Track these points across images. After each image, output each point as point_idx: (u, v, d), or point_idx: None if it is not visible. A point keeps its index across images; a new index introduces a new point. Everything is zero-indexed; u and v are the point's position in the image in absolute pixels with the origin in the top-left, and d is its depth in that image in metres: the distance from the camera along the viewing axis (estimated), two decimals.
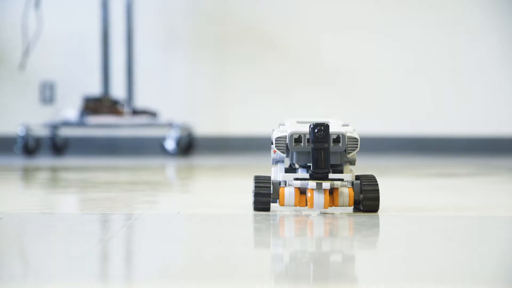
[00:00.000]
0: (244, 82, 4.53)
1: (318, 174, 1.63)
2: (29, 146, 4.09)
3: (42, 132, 4.20)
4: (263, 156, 4.01)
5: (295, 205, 1.66)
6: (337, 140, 1.65)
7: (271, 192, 1.67)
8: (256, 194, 1.67)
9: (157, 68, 4.51)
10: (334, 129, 1.65)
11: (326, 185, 1.62)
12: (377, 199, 1.66)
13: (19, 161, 3.69)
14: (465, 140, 4.51)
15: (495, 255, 1.20)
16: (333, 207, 1.69)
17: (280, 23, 4.51)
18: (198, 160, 3.83)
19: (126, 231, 1.45)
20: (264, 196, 1.66)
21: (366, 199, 1.66)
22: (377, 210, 1.66)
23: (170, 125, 4.15)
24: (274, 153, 1.69)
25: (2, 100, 4.51)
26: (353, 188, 1.66)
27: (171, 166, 3.49)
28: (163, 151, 4.17)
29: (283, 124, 1.73)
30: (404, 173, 2.99)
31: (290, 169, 1.71)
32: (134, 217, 1.63)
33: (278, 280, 1.04)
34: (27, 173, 3.10)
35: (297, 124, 1.71)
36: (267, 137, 4.40)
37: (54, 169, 3.32)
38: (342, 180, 1.65)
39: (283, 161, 1.70)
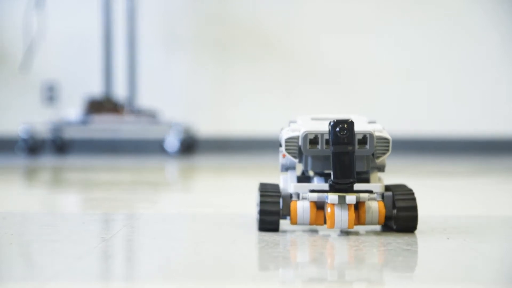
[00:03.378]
0: (245, 82, 4.53)
1: (341, 185, 1.30)
2: (31, 146, 4.09)
3: (44, 132, 4.21)
4: (264, 157, 4.01)
5: (311, 224, 1.36)
6: (363, 141, 1.35)
7: (281, 207, 1.36)
8: (262, 212, 1.35)
9: (159, 68, 4.52)
10: (359, 127, 1.35)
11: (351, 199, 1.30)
12: (414, 217, 1.35)
13: (21, 161, 3.70)
14: (465, 140, 4.51)
15: (495, 255, 1.20)
16: (357, 226, 1.40)
17: (280, 23, 4.52)
18: (199, 160, 3.83)
19: (127, 230, 1.45)
20: (272, 214, 1.35)
21: (401, 216, 1.35)
22: (414, 230, 1.37)
23: (171, 125, 4.16)
24: (283, 157, 1.39)
25: (4, 100, 4.51)
26: (384, 202, 1.36)
27: (172, 166, 3.49)
28: (164, 151, 4.17)
29: (295, 122, 1.40)
30: (404, 173, 2.99)
31: (303, 178, 1.41)
32: (135, 217, 1.63)
33: (278, 280, 1.04)
34: (29, 173, 3.10)
35: (312, 121, 1.39)
36: (268, 137, 4.41)
37: (56, 169, 3.32)
38: (371, 192, 1.33)
39: (294, 168, 1.40)
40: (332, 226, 1.31)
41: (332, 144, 1.30)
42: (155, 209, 1.82)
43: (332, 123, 1.30)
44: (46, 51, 4.44)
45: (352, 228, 1.32)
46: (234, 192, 2.31)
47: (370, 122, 1.41)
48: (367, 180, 1.37)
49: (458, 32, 4.51)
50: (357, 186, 1.34)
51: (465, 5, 4.50)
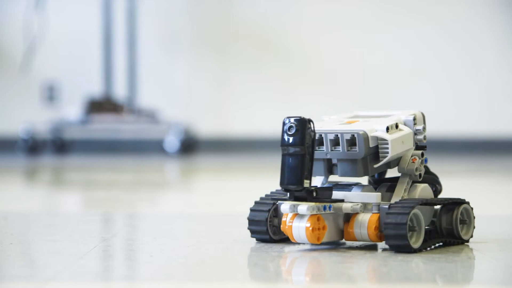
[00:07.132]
0: (246, 81, 4.53)
1: (292, 192, 1.16)
2: (31, 146, 4.09)
3: (44, 132, 4.21)
4: (264, 157, 4.02)
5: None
6: (352, 142, 1.19)
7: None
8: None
9: (159, 68, 4.52)
10: (353, 126, 1.19)
11: (302, 209, 1.15)
12: (403, 236, 1.16)
13: (21, 161, 3.70)
14: (464, 140, 4.51)
15: (495, 255, 1.21)
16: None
17: (281, 24, 4.52)
18: (199, 160, 3.83)
19: (128, 230, 1.45)
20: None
21: (389, 234, 1.16)
22: (408, 250, 1.18)
23: (171, 125, 4.16)
24: None
25: (5, 100, 4.52)
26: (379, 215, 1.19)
27: (172, 166, 3.49)
28: (165, 151, 4.17)
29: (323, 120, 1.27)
30: None
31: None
32: (135, 217, 1.63)
33: (279, 279, 1.05)
34: (29, 173, 3.10)
35: (326, 119, 1.27)
36: (268, 137, 4.41)
37: (56, 169, 3.32)
38: (341, 200, 1.20)
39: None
40: (293, 239, 1.18)
41: (280, 145, 1.15)
42: (155, 209, 1.83)
43: (283, 120, 1.15)
44: (46, 51, 4.45)
45: (317, 243, 1.18)
46: (234, 192, 2.31)
47: (406, 121, 1.25)
48: (392, 188, 1.22)
49: (457, 32, 4.51)
50: (353, 196, 1.19)
51: (463, 5, 4.50)
